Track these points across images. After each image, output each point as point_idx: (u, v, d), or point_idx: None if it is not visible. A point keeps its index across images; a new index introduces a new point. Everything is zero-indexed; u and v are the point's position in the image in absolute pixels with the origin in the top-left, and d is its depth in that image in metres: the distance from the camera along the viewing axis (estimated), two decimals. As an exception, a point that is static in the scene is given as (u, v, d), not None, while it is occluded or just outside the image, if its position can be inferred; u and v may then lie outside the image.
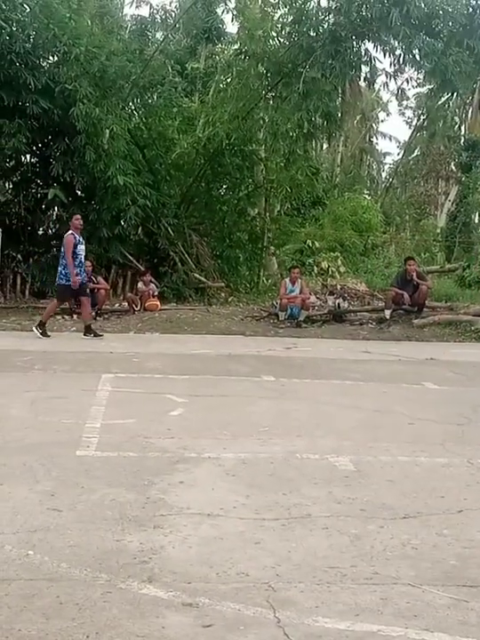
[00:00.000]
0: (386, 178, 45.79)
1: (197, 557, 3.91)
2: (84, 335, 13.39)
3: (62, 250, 13.57)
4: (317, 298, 18.11)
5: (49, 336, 13.14)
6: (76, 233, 13.60)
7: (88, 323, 13.65)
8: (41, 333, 13.17)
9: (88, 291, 14.17)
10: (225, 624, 3.24)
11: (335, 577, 3.73)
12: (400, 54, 17.66)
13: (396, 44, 17.43)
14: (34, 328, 13.31)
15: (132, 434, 6.37)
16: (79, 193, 19.44)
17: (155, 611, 3.32)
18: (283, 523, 4.43)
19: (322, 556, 3.96)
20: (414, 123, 41.54)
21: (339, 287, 18.42)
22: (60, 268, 13.57)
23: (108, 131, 17.06)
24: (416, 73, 19.33)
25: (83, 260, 13.66)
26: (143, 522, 4.36)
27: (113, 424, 6.73)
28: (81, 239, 13.64)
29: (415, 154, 41.99)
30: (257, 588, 3.58)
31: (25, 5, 17.98)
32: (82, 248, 13.59)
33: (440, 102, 34.90)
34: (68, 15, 17.46)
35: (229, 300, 18.97)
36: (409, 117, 44.96)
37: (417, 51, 17.15)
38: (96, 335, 13.39)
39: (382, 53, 18.03)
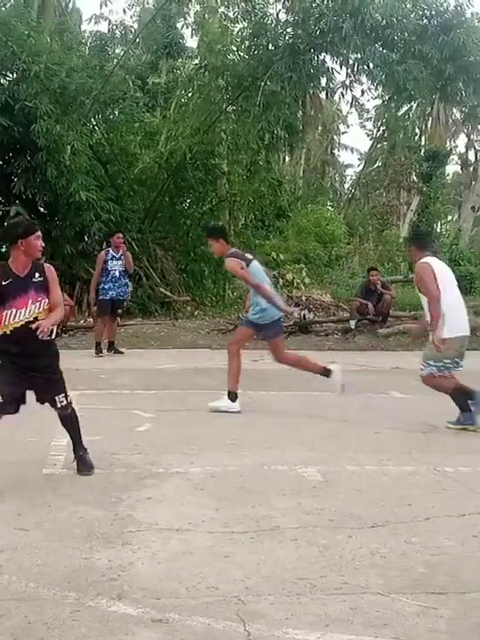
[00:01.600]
0: (348, 189, 46.15)
1: (166, 573, 3.90)
2: (108, 351, 13.53)
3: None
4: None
5: (102, 354, 13.28)
6: (112, 249, 13.65)
7: (111, 339, 13.76)
8: (97, 353, 13.30)
9: (119, 310, 14.08)
10: (195, 639, 3.23)
11: (305, 588, 3.73)
12: (354, 64, 17.88)
13: (351, 54, 17.64)
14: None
15: (99, 451, 6.32)
16: (42, 209, 19.34)
17: (124, 628, 3.31)
18: (252, 535, 4.43)
19: (291, 568, 3.97)
20: (375, 134, 41.96)
21: (304, 298, 18.45)
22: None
23: (69, 147, 17.01)
24: (372, 84, 19.55)
25: (116, 275, 13.51)
26: (111, 539, 4.34)
27: (80, 441, 6.68)
28: (114, 255, 13.58)
29: (376, 165, 42.37)
30: (227, 601, 3.57)
31: (-18, 25, 17.89)
32: (114, 264, 13.51)
33: (400, 113, 35.29)
34: (26, 32, 17.42)
35: (195, 313, 18.97)
36: (369, 129, 45.47)
37: (371, 61, 17.36)
38: (118, 351, 13.55)
39: (339, 65, 18.26)
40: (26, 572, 3.86)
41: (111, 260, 13.52)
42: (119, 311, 13.99)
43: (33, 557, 4.07)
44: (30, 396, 9.06)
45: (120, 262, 13.52)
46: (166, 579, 3.83)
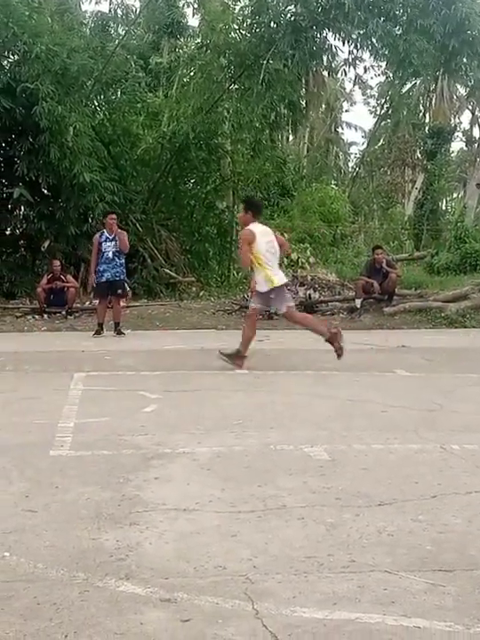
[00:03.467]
0: (352, 168, 45.96)
1: (174, 553, 3.90)
2: (114, 332, 13.58)
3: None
4: (288, 289, 18.10)
5: (103, 334, 13.44)
6: (106, 230, 13.68)
7: (117, 320, 13.78)
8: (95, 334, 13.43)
9: (119, 290, 13.99)
10: (203, 618, 3.23)
11: (312, 566, 3.74)
12: (357, 39, 17.75)
13: (353, 30, 17.52)
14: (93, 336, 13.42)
15: (105, 432, 6.35)
16: (45, 191, 19.31)
17: (133, 607, 3.32)
18: (259, 515, 4.44)
19: (298, 547, 3.97)
20: (378, 112, 41.71)
21: (309, 278, 18.43)
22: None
23: (71, 128, 16.97)
24: (375, 60, 19.45)
25: (109, 257, 13.53)
26: (119, 519, 4.34)
27: (86, 423, 6.70)
28: (108, 236, 13.60)
29: (380, 143, 42.15)
30: (234, 580, 3.58)
31: (-17, 6, 17.80)
32: (108, 245, 13.54)
33: (403, 90, 35.05)
34: (27, 13, 17.35)
35: (200, 294, 18.96)
36: (373, 106, 45.22)
37: (373, 36, 17.24)
38: (120, 333, 13.58)
39: (341, 42, 18.14)
40: (34, 554, 3.87)
41: (105, 241, 13.52)
42: (119, 291, 13.89)
43: (41, 539, 4.08)
44: (37, 379, 9.11)
45: (113, 243, 13.50)
46: (174, 558, 3.83)
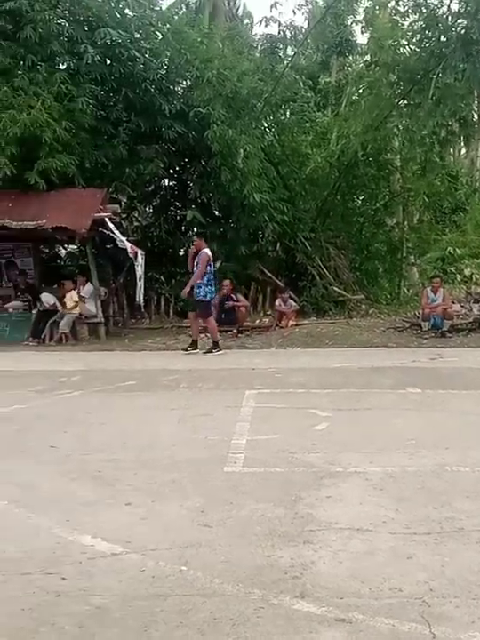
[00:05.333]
0: None
1: (348, 572, 3.87)
2: (213, 351, 13.84)
3: (198, 266, 13.87)
4: (462, 306, 17.69)
5: (221, 349, 13.84)
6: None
7: (195, 338, 14.19)
8: (215, 351, 13.77)
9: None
10: (379, 639, 3.19)
11: (492, 593, 3.61)
12: None
13: None
14: (207, 353, 13.81)
15: (277, 449, 6.39)
16: (216, 213, 19.79)
17: (308, 626, 3.31)
18: (435, 537, 4.33)
19: (477, 571, 3.85)
20: None
21: (484, 294, 17.93)
22: (198, 283, 13.86)
23: (242, 150, 17.30)
24: None
25: (211, 278, 14.03)
26: (292, 537, 4.36)
27: (258, 440, 6.77)
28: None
29: None
30: (411, 603, 3.51)
31: (157, 33, 18.52)
32: (211, 267, 14.04)
33: None
34: (198, 40, 17.91)
35: (370, 312, 18.80)
36: None
37: None
38: (194, 349, 13.90)
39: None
40: (211, 569, 3.94)
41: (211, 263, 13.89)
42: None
43: (217, 554, 4.15)
44: (210, 396, 9.30)
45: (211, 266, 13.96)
46: (348, 578, 3.80)
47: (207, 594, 3.67)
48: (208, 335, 14.42)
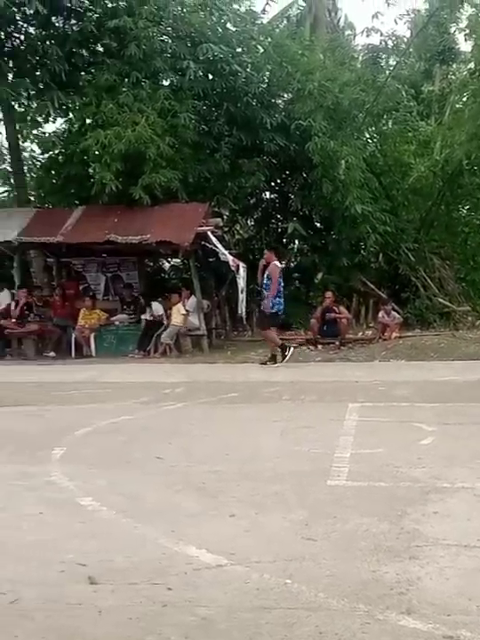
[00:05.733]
0: None
1: (456, 589, 3.78)
2: (267, 363, 14.01)
3: (269, 279, 13.93)
4: None
5: (276, 363, 13.93)
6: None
7: (275, 352, 14.21)
8: (280, 360, 13.85)
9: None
10: (489, 659, 3.11)
11: None
12: None
13: None
14: (267, 363, 13.99)
15: (381, 463, 6.31)
16: (317, 224, 19.76)
17: (415, 644, 3.26)
18: None
19: None
20: None
21: None
22: (271, 297, 13.97)
23: (343, 162, 17.25)
24: None
25: (281, 290, 14.22)
26: (398, 552, 4.29)
27: (362, 454, 6.70)
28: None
29: None
30: (523, 623, 3.41)
31: (258, 47, 18.66)
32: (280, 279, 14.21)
33: None
34: (300, 52, 17.95)
35: (476, 323, 18.40)
36: None
37: None
38: (273, 362, 13.99)
39: None
40: (315, 582, 3.91)
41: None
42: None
43: (321, 568, 4.11)
44: (312, 408, 9.27)
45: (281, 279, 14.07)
46: (456, 595, 3.72)
47: (312, 608, 3.64)
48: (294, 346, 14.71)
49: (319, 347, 16.20)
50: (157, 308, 17.03)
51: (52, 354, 16.81)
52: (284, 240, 19.97)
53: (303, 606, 3.66)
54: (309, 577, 4.00)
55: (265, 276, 14.06)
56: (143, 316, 17.18)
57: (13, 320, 17.29)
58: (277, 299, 14.00)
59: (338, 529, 4.75)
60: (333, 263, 18.52)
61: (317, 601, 3.72)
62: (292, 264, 20.21)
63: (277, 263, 14.15)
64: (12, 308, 17.45)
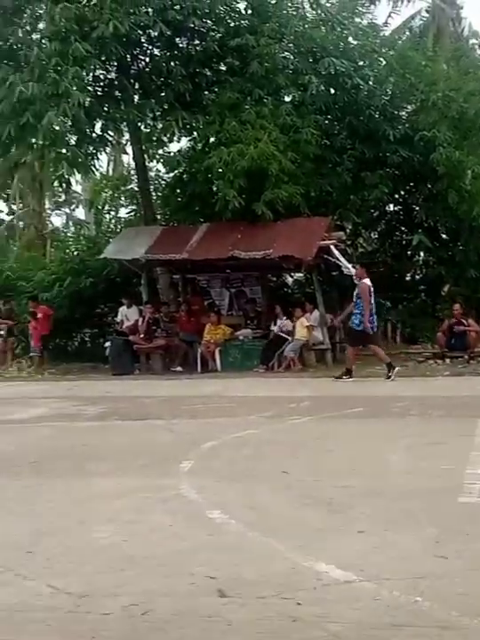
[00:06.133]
0: None
1: None
2: (386, 378, 13.83)
3: (359, 297, 13.85)
4: None
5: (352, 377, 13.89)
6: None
7: (387, 361, 14.17)
8: (346, 378, 13.85)
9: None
10: None
11: None
12: None
13: None
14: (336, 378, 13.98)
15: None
16: (444, 236, 19.44)
17: None
18: None
19: None
20: None
21: None
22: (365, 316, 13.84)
23: (469, 171, 16.97)
24: None
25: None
26: None
27: (494, 470, 6.53)
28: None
29: None
30: None
31: (381, 59, 18.56)
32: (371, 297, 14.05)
33: None
34: (423, 63, 17.77)
35: None
36: None
37: None
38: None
39: None
40: (447, 600, 3.82)
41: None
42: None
43: (453, 586, 4.01)
44: (441, 423, 9.09)
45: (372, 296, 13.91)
46: None
47: (444, 626, 3.55)
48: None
49: (447, 360, 15.88)
50: (285, 323, 17.10)
51: (179, 368, 17.14)
52: (409, 252, 19.72)
53: (435, 624, 3.58)
54: (441, 595, 3.91)
55: (354, 294, 13.98)
56: (272, 328, 17.29)
57: (141, 336, 17.71)
58: (371, 317, 13.91)
59: (470, 547, 4.62)
60: (461, 275, 18.17)
61: (450, 619, 3.63)
62: (417, 276, 19.93)
63: (367, 281, 14.04)
64: (140, 323, 17.89)
